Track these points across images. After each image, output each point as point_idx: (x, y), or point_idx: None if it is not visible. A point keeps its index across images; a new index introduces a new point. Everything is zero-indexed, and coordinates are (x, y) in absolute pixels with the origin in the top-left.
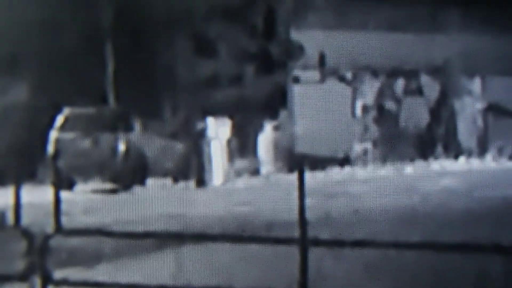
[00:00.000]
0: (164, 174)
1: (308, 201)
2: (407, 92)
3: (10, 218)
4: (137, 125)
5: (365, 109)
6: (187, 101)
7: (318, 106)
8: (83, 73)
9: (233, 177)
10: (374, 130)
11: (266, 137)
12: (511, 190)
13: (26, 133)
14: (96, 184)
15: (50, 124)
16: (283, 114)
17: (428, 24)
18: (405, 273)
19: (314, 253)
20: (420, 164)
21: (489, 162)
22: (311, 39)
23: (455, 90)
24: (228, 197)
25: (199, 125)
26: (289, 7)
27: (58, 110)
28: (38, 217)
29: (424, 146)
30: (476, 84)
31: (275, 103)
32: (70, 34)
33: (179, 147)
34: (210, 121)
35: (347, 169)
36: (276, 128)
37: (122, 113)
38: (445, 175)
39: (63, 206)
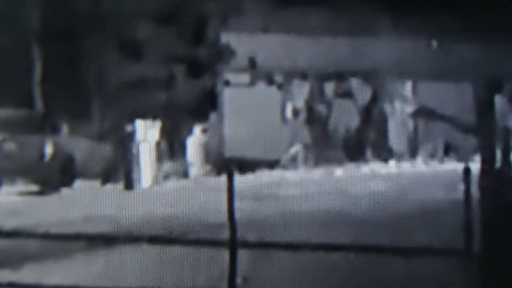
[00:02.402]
0: (92, 177)
1: (237, 203)
2: (338, 95)
3: None
4: (65, 128)
5: (295, 112)
6: (115, 104)
7: (248, 109)
8: (9, 74)
9: (162, 179)
10: (304, 133)
11: (195, 140)
12: (441, 192)
13: None
14: (22, 186)
15: None
16: (212, 117)
17: (360, 28)
18: (333, 275)
19: (243, 255)
20: (350, 167)
21: (420, 165)
22: (242, 42)
23: (386, 94)
24: (157, 199)
25: (128, 128)
26: (220, 10)
27: None
28: None
29: (354, 149)
30: (407, 88)
31: (205, 106)
32: None
33: (108, 149)
34: (139, 123)
35: (277, 172)
36: (205, 131)
37: (48, 116)
38: (375, 178)
39: None
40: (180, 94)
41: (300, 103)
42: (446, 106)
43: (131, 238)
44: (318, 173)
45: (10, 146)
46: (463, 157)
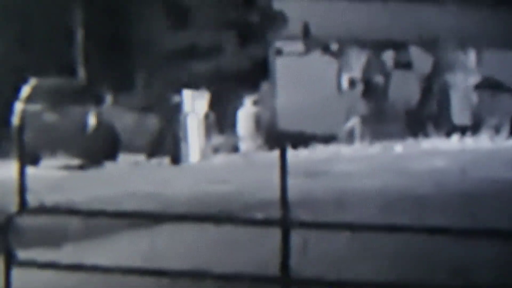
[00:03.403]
0: (137, 150)
1: (290, 180)
2: (397, 65)
3: None
4: (108, 98)
5: (351, 83)
6: (161, 73)
7: (302, 80)
8: (50, 42)
9: (211, 154)
10: (361, 106)
11: (245, 112)
12: (506, 171)
13: None
14: (63, 160)
15: (15, 95)
16: (264, 87)
17: None
18: (393, 256)
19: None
20: (410, 142)
21: (484, 141)
22: (295, 8)
23: (448, 64)
24: (205, 175)
25: (175, 99)
26: None
27: (24, 81)
28: (1, 194)
29: (415, 124)
30: (470, 58)
31: (256, 76)
32: (36, 1)
33: (153, 121)
34: (186, 94)
35: (332, 147)
36: (256, 103)
37: (92, 85)
38: (436, 154)
39: (28, 183)
40: (230, 63)
41: (357, 74)
42: None
43: (178, 216)
44: (376, 148)
45: (51, 117)
46: None
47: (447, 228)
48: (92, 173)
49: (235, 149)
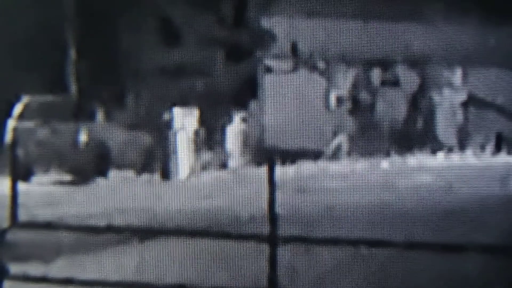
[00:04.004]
0: (128, 166)
1: (278, 196)
2: (384, 83)
3: None
4: (99, 114)
5: (339, 100)
6: (152, 90)
7: (290, 97)
8: (43, 59)
9: (200, 170)
10: (348, 123)
11: (234, 129)
12: (492, 187)
13: None
14: (55, 175)
15: (7, 113)
16: (252, 104)
17: (407, 12)
18: (377, 272)
19: (284, 251)
20: (396, 159)
21: (470, 158)
22: (283, 26)
23: (434, 82)
24: (194, 190)
25: (165, 115)
26: None
27: (16, 98)
28: None
29: (401, 140)
30: (456, 75)
31: (245, 93)
32: (29, 17)
33: (144, 137)
34: (176, 111)
35: (320, 163)
36: (245, 120)
37: (83, 102)
38: (422, 171)
39: (20, 198)
40: (219, 81)
41: (345, 91)
42: (498, 94)
43: (167, 231)
44: (362, 165)
45: (43, 132)
46: None
47: (429, 243)
48: (83, 189)
49: (224, 165)
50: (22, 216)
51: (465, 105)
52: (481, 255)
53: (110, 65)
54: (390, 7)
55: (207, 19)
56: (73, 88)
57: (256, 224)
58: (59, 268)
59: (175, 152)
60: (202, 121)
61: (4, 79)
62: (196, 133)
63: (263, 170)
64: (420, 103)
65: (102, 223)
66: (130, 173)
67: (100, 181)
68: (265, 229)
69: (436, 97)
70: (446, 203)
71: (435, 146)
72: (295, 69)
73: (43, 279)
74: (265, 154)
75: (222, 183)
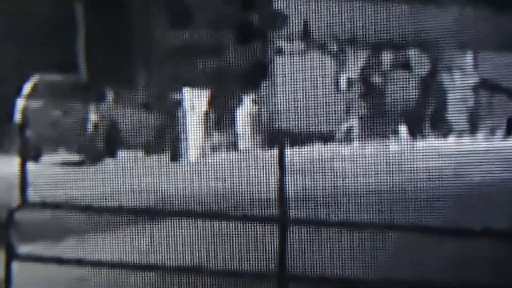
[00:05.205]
0: (137, 147)
1: (288, 178)
2: (395, 66)
3: None
4: (109, 95)
5: (350, 82)
6: (162, 71)
7: (301, 79)
8: (53, 38)
9: (210, 151)
10: (359, 105)
11: (245, 111)
12: (502, 171)
13: None
14: (64, 155)
15: (17, 92)
16: (263, 86)
17: None
18: (388, 255)
19: (294, 233)
20: (407, 142)
21: (480, 142)
22: (295, 7)
23: (445, 65)
24: (204, 172)
25: (175, 96)
26: None
27: (26, 77)
28: (2, 189)
29: (412, 124)
30: (468, 59)
31: (255, 74)
32: None
33: (153, 118)
34: (186, 92)
35: (330, 145)
36: (255, 101)
37: (93, 82)
38: (433, 154)
39: (29, 179)
40: (230, 62)
41: (356, 74)
42: (509, 79)
43: (177, 213)
44: (373, 148)
45: (52, 113)
46: None
47: (439, 227)
48: (93, 169)
49: (234, 147)
50: (31, 196)
51: (476, 89)
52: (492, 239)
53: (120, 46)
54: None
55: (218, 0)
56: (83, 67)
57: (266, 206)
58: (68, 249)
59: (184, 133)
60: (213, 102)
61: (14, 58)
62: (206, 114)
63: (273, 152)
64: (431, 87)
65: (111, 203)
66: (139, 154)
67: (110, 161)
68: (275, 211)
69: (447, 81)
70: (456, 187)
71: (446, 129)
72: (306, 50)
73: (52, 260)
74: (275, 136)
75: (232, 165)
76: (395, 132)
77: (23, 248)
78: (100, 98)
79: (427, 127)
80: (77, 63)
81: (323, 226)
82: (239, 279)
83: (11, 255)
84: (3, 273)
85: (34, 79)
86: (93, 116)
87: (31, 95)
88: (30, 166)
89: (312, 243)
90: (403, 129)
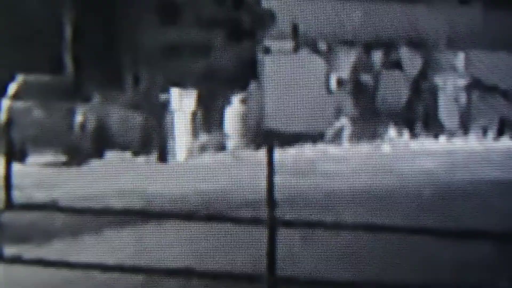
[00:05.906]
0: (124, 147)
1: (277, 179)
2: (386, 65)
3: None
4: (96, 95)
5: (340, 82)
6: (149, 70)
7: (290, 79)
8: (39, 38)
9: (197, 152)
10: (350, 106)
11: (233, 110)
12: (494, 172)
13: None
14: (50, 156)
15: (2, 92)
16: (252, 86)
17: None
18: (378, 257)
19: (283, 235)
20: (398, 143)
21: (472, 142)
22: (284, 7)
23: (437, 65)
24: (192, 173)
25: (162, 96)
26: None
27: (11, 77)
28: None
29: (403, 124)
30: (459, 59)
31: (244, 74)
32: None
33: (141, 118)
34: (174, 92)
35: (320, 146)
36: (244, 101)
37: (80, 82)
38: (424, 155)
39: (14, 180)
40: (218, 61)
41: (346, 73)
42: (501, 79)
43: (164, 214)
44: (364, 148)
45: (38, 113)
46: None
47: (430, 228)
48: (79, 170)
49: (222, 147)
50: (17, 197)
51: (468, 89)
52: (483, 240)
53: (107, 45)
54: None
55: None
56: (70, 67)
57: (255, 207)
58: (54, 251)
59: (172, 133)
60: (201, 102)
61: None
62: (194, 114)
63: (262, 152)
64: (422, 86)
65: (97, 204)
66: (127, 155)
67: (96, 162)
68: (264, 213)
69: (438, 81)
70: (447, 187)
71: (437, 129)
72: (295, 50)
73: (38, 262)
74: (264, 137)
75: (220, 165)
76: (386, 133)
77: (9, 250)
78: (87, 98)
79: (418, 127)
80: (64, 63)
81: (313, 228)
82: (228, 281)
83: None
84: None
85: (20, 79)
86: (79, 117)
87: (16, 95)
88: (16, 167)
89: (302, 244)
90: (393, 130)
